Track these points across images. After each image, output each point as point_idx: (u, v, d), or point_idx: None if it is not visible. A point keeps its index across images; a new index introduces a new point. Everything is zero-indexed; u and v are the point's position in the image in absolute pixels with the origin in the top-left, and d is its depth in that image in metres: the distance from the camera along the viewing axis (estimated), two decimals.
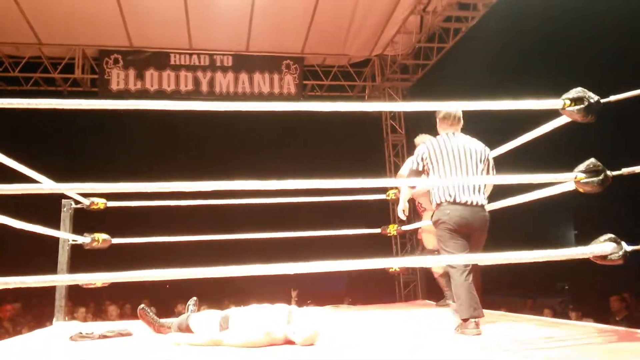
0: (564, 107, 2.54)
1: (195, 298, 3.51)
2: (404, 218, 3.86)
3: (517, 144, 3.32)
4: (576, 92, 2.55)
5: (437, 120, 3.46)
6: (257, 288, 8.11)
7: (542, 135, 3.03)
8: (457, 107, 2.66)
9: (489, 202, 3.36)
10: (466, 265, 3.01)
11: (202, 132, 12.57)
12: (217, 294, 8.41)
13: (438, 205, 3.24)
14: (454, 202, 3.15)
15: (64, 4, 7.60)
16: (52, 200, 3.81)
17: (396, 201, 4.41)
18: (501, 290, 11.64)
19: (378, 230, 5.17)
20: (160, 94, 8.66)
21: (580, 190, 2.48)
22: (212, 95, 8.78)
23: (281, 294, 6.06)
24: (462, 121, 3.40)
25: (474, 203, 3.14)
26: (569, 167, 2.55)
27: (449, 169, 3.20)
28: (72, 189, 3.36)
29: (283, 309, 2.93)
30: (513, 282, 12.39)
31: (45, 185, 2.92)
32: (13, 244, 7.78)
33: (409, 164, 3.75)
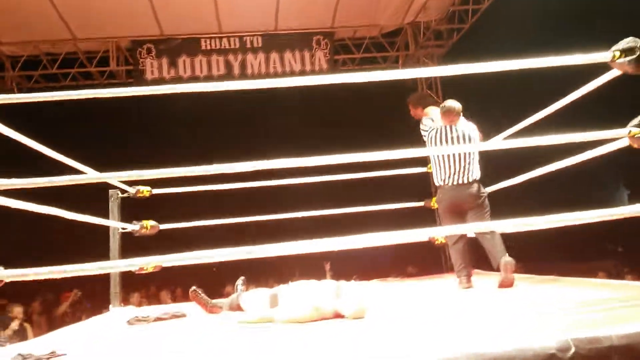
0: (613, 59, 2.41)
1: (243, 277, 3.57)
2: None
3: (565, 102, 3.17)
4: (626, 42, 2.40)
5: (440, 114, 4.10)
6: (299, 266, 8.18)
7: (587, 94, 2.89)
8: (499, 67, 2.55)
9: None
10: (458, 237, 3.91)
11: (238, 114, 12.65)
12: (261, 273, 8.54)
13: (438, 187, 4.09)
14: (445, 185, 3.96)
15: None
16: (98, 190, 3.91)
17: None
18: (552, 255, 11.37)
19: (421, 204, 5.10)
20: (194, 80, 8.71)
21: (635, 146, 2.36)
22: (244, 78, 8.79)
23: (323, 270, 6.09)
24: (461, 113, 4.05)
25: (461, 182, 3.90)
26: (618, 125, 2.42)
27: (445, 157, 3.94)
28: (117, 177, 3.43)
29: (331, 283, 2.95)
30: (563, 247, 12.06)
31: (91, 175, 3.00)
32: (60, 234, 8.08)
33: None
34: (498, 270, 3.67)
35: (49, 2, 7.59)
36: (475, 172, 3.96)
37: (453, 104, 4.05)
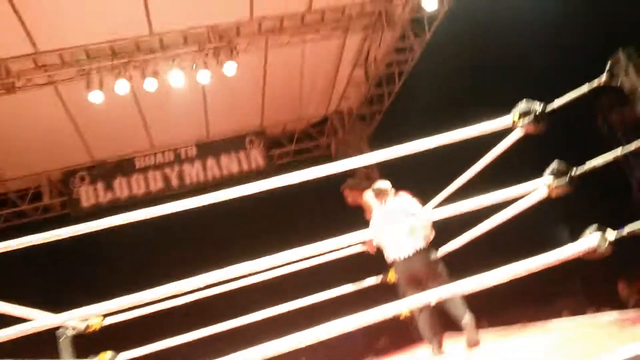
0: (514, 123, 2.65)
1: None
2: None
3: (478, 168, 3.41)
4: (522, 106, 2.66)
5: (373, 193, 4.36)
6: None
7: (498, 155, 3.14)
8: (410, 148, 2.70)
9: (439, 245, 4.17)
10: (422, 306, 3.88)
11: (181, 228, 12.37)
12: None
13: (391, 264, 4.17)
14: (395, 261, 4.06)
15: (21, 136, 7.65)
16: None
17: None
18: (515, 302, 11.42)
19: (377, 281, 5.05)
20: (132, 200, 8.63)
21: (553, 195, 2.52)
22: (183, 189, 8.81)
23: None
24: (390, 190, 4.28)
25: (410, 255, 3.98)
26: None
27: (387, 235, 4.07)
28: (68, 318, 3.26)
29: None
30: (524, 292, 12.13)
31: (40, 320, 2.86)
32: None
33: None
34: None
35: None
36: (420, 241, 4.02)
37: (382, 185, 4.32)
